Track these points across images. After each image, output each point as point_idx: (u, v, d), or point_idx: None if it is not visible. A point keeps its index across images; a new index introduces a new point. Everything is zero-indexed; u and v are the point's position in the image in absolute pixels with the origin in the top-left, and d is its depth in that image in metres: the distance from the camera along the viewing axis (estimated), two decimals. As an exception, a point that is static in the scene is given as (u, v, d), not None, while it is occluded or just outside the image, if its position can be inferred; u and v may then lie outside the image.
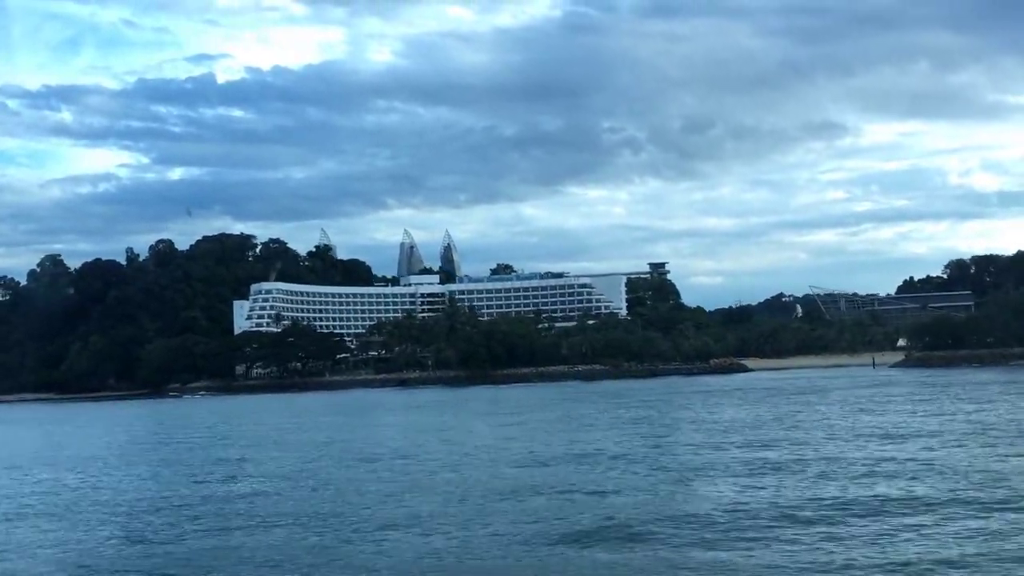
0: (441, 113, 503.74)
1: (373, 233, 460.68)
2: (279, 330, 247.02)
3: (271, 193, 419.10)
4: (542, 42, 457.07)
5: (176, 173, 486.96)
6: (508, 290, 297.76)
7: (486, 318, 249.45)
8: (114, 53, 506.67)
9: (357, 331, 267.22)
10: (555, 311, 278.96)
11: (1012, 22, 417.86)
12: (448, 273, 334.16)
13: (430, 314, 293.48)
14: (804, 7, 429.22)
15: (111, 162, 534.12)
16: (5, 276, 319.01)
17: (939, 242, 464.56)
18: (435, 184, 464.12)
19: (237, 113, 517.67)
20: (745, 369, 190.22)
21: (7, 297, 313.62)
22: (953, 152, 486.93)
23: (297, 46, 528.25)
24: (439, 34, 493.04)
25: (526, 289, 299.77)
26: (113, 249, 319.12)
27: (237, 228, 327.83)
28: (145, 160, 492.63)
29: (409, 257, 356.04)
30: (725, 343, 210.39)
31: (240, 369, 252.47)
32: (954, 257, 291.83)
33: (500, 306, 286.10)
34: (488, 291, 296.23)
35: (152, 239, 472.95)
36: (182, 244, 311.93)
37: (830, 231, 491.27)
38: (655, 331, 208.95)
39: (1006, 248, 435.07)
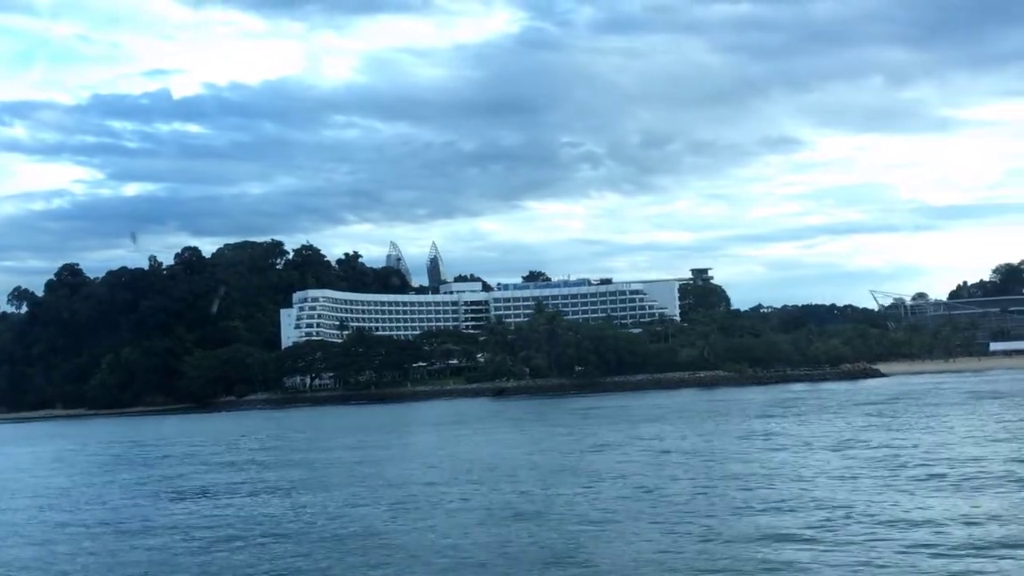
0: (400, 128, 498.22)
1: (332, 248, 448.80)
2: (341, 339, 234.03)
3: (227, 209, 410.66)
4: (500, 58, 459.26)
5: (131, 189, 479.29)
6: (556, 297, 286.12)
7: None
8: (68, 68, 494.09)
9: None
10: (606, 318, 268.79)
11: (962, 38, 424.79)
12: (434, 283, 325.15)
13: (474, 321, 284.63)
14: (758, 23, 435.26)
15: (65, 178, 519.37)
16: (19, 287, 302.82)
17: (891, 255, 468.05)
18: (394, 199, 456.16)
19: (193, 128, 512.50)
20: (879, 374, 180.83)
21: (25, 309, 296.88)
22: (905, 166, 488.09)
23: (254, 61, 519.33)
24: (397, 49, 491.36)
25: (574, 296, 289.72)
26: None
27: (192, 244, 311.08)
28: (100, 176, 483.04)
29: (396, 269, 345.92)
30: (853, 347, 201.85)
31: (292, 381, 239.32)
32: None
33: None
34: (535, 298, 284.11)
35: (106, 256, 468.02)
36: (139, 261, 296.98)
37: (786, 244, 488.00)
38: (780, 334, 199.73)
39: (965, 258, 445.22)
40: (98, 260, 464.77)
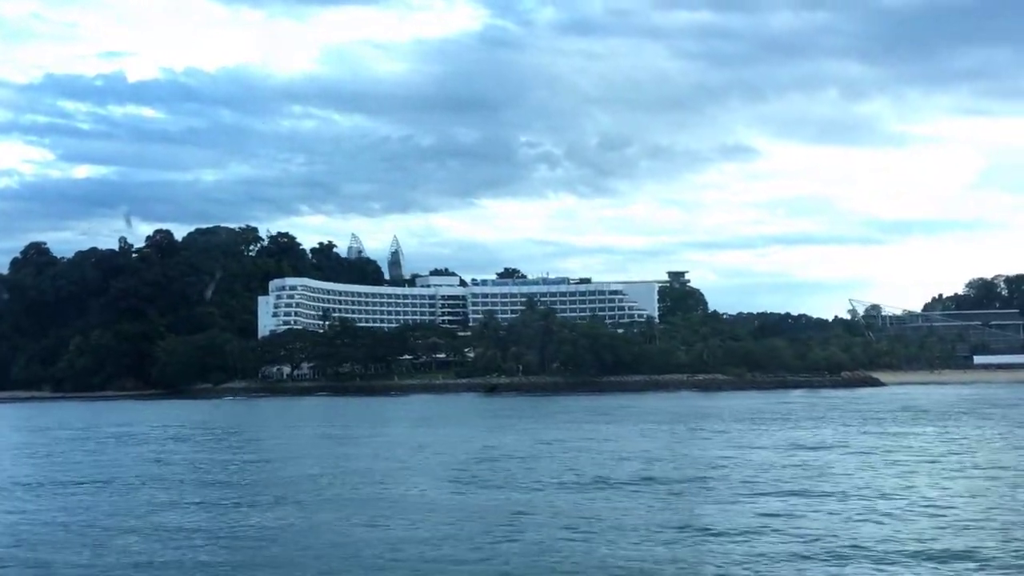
0: (357, 121, 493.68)
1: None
2: (321, 329, 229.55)
3: (180, 195, 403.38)
4: (461, 54, 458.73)
5: (82, 171, 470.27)
6: (535, 295, 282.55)
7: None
8: (20, 46, 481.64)
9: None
10: (584, 318, 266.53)
11: (916, 56, 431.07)
12: (398, 276, 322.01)
13: (450, 316, 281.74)
14: (719, 31, 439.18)
15: (14, 157, 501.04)
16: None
17: (842, 266, 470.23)
18: (349, 192, 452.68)
19: (148, 112, 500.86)
20: (878, 383, 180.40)
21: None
22: (858, 179, 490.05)
23: (212, 48, 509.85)
24: (357, 42, 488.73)
25: (553, 294, 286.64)
26: (12, 247, 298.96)
27: (143, 230, 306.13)
28: (50, 156, 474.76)
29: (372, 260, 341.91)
30: (852, 354, 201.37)
31: (269, 370, 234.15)
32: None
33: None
34: (513, 295, 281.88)
35: (55, 238, 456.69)
36: (84, 244, 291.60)
37: (739, 252, 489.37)
38: (779, 340, 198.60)
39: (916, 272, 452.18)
40: (48, 242, 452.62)
